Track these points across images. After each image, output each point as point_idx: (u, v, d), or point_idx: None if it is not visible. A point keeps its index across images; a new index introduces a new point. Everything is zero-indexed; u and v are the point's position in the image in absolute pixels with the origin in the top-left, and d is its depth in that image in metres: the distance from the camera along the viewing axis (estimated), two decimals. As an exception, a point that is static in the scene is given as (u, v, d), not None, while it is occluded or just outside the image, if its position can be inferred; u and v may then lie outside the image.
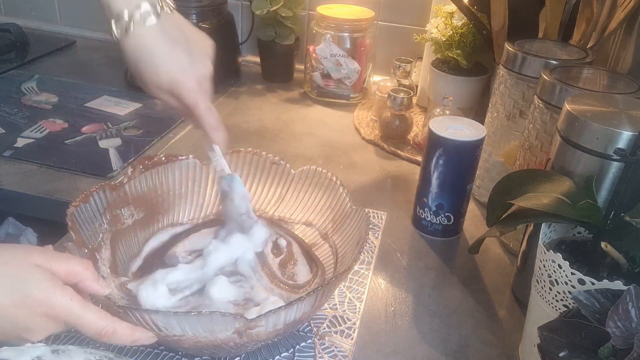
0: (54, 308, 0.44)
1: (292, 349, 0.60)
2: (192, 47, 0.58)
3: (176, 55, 0.57)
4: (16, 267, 0.43)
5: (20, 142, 0.95)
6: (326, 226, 0.69)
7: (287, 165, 0.73)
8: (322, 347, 0.60)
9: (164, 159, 0.70)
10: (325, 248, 0.69)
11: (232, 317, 0.48)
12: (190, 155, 0.72)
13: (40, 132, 0.99)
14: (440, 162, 0.75)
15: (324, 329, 0.63)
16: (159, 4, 0.56)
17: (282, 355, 0.59)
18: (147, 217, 0.69)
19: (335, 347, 0.60)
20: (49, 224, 0.85)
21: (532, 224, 0.66)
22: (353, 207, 0.66)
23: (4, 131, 0.99)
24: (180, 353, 0.58)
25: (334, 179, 0.69)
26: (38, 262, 0.44)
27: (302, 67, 1.24)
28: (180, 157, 0.72)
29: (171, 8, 0.58)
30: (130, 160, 0.93)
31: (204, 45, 0.61)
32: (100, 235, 0.63)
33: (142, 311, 0.48)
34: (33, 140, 0.97)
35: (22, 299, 0.43)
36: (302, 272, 0.67)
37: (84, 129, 1.01)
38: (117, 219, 0.65)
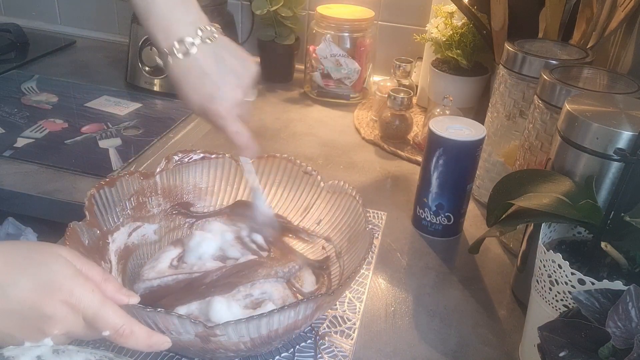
0: (74, 296, 0.43)
1: (292, 349, 0.60)
2: (226, 76, 0.61)
3: (206, 84, 0.60)
4: (42, 254, 0.44)
5: (20, 142, 0.95)
6: (342, 245, 0.67)
7: (319, 177, 0.71)
8: (322, 347, 0.60)
9: (202, 156, 0.72)
10: (336, 267, 0.67)
11: (188, 321, 0.46)
12: (227, 155, 0.73)
13: (40, 132, 0.99)
14: (440, 162, 0.75)
15: (324, 329, 0.63)
16: (204, 30, 0.61)
17: (282, 355, 0.59)
18: (172, 209, 0.70)
19: (335, 347, 0.60)
20: (49, 224, 0.85)
21: (532, 224, 0.66)
22: (368, 228, 0.63)
23: (4, 131, 0.99)
24: (180, 353, 0.58)
25: (357, 197, 0.66)
26: (64, 255, 0.45)
27: (302, 67, 1.24)
28: (216, 155, 0.73)
29: (215, 35, 0.62)
30: (130, 159, 0.93)
31: (244, 72, 0.63)
32: (121, 220, 0.64)
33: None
34: (33, 140, 0.97)
35: (45, 283, 0.42)
36: (307, 280, 0.66)
37: (84, 129, 1.01)
38: (142, 206, 0.67)
